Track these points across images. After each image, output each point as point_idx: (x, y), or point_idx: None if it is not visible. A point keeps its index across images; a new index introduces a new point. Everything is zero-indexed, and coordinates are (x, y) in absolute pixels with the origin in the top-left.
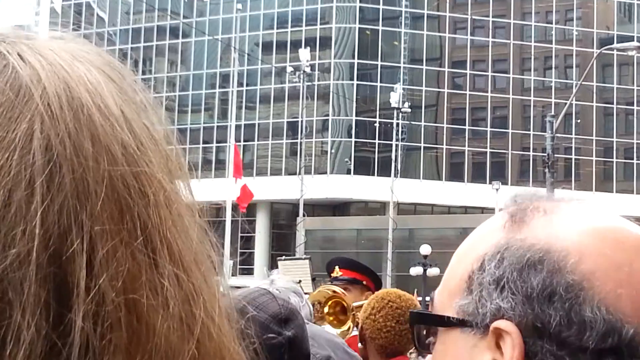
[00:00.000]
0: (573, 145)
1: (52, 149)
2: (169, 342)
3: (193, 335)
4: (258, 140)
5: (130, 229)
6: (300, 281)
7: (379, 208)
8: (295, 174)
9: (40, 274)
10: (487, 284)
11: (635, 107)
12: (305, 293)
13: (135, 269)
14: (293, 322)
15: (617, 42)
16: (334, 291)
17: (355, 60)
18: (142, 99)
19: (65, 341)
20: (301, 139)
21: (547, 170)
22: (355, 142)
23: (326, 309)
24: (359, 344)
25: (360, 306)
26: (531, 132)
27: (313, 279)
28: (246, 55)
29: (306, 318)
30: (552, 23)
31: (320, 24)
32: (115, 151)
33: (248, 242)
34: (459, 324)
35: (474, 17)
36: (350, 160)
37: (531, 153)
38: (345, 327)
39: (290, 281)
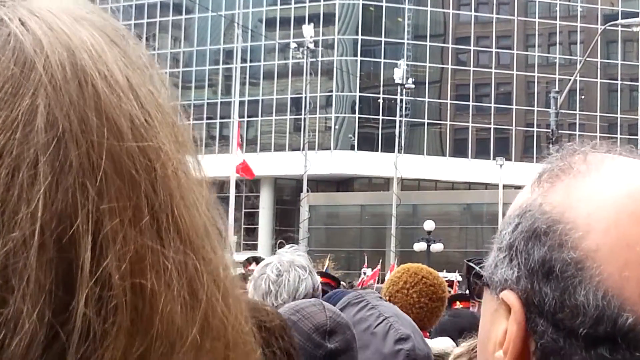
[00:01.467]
0: (577, 121)
1: (57, 124)
2: (172, 324)
3: (196, 316)
4: (261, 116)
5: (138, 207)
6: None
7: (383, 184)
8: (298, 149)
9: (43, 258)
10: (502, 250)
11: (639, 83)
12: None
13: (142, 250)
14: (339, 336)
15: (622, 18)
16: None
17: (359, 37)
18: (145, 63)
19: (66, 327)
20: (305, 115)
21: (551, 146)
22: (359, 118)
23: None
24: None
25: None
26: (535, 108)
27: None
28: (250, 32)
29: (307, 291)
30: None
31: (324, 0)
32: (121, 125)
33: (252, 217)
34: (486, 284)
35: None
36: (354, 136)
37: (535, 129)
38: None
39: (296, 254)
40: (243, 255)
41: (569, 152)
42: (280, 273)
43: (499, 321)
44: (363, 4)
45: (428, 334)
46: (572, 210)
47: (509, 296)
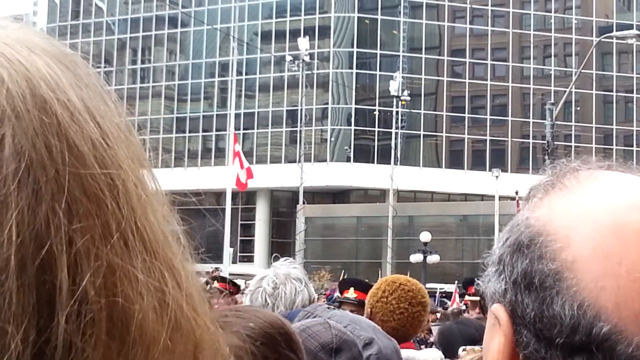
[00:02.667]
0: (573, 132)
1: (24, 152)
2: (145, 330)
3: (166, 321)
4: (257, 129)
5: (105, 224)
6: None
7: (379, 195)
8: (295, 161)
9: (22, 280)
10: (493, 264)
11: (634, 95)
12: None
13: (113, 264)
14: (345, 354)
15: (617, 30)
16: None
17: (355, 49)
18: (95, 83)
19: (50, 344)
20: (301, 127)
21: (546, 157)
22: (355, 130)
23: None
24: None
25: None
26: (531, 120)
27: None
28: (245, 45)
29: (306, 302)
30: (551, 11)
31: (319, 13)
32: (83, 148)
33: (248, 229)
34: (482, 298)
35: (472, 5)
36: (350, 148)
37: (531, 141)
38: None
39: (292, 267)
40: (240, 268)
41: (562, 167)
42: (276, 286)
43: (494, 334)
44: (358, 17)
45: (413, 344)
46: (553, 222)
47: (498, 309)
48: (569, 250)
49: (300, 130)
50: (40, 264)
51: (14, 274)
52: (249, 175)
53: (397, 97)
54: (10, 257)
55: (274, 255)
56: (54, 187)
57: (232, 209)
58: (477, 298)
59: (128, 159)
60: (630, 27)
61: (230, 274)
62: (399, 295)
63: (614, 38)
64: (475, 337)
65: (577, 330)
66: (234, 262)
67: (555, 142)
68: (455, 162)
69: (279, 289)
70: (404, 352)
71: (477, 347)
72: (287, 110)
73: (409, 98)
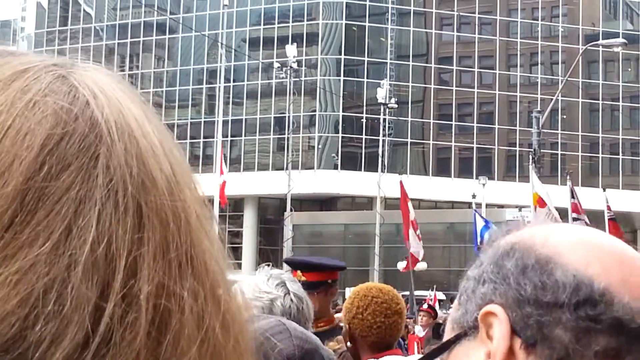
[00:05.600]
0: (559, 140)
1: (111, 170)
2: (178, 342)
3: (197, 339)
4: (245, 136)
5: (164, 243)
6: None
7: (366, 203)
8: (282, 169)
9: (90, 274)
10: (470, 287)
11: (620, 103)
12: None
13: (164, 277)
14: None
15: (603, 39)
16: None
17: (342, 56)
18: (161, 124)
19: (95, 336)
20: (288, 134)
21: (533, 165)
22: (342, 137)
23: None
24: (348, 343)
25: None
26: (517, 128)
27: None
28: (233, 51)
29: (287, 313)
30: (538, 19)
31: (307, 20)
32: (157, 176)
33: (236, 237)
34: (455, 340)
35: (460, 13)
36: (337, 155)
37: (517, 148)
38: None
39: (279, 273)
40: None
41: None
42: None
43: (477, 352)
44: (346, 24)
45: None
46: (528, 232)
47: (490, 306)
48: (552, 240)
49: (288, 138)
50: (105, 263)
51: (84, 268)
52: (221, 192)
53: (385, 104)
54: (84, 253)
55: (267, 264)
56: (130, 201)
57: (219, 216)
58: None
59: (189, 191)
60: (616, 35)
61: None
62: (374, 310)
63: (600, 46)
64: None
65: (580, 287)
66: None
67: (542, 150)
68: (442, 169)
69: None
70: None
71: None
72: (274, 118)
73: (396, 105)
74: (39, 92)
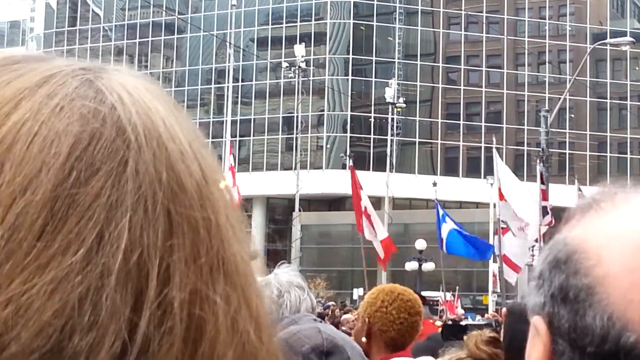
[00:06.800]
0: (567, 139)
1: (140, 176)
2: (214, 347)
3: (234, 343)
4: (254, 136)
5: (195, 248)
6: None
7: (374, 203)
8: (290, 169)
9: (123, 283)
10: (535, 278)
11: (628, 102)
12: None
13: (197, 283)
14: (335, 357)
15: (610, 37)
16: None
17: (350, 56)
18: (193, 127)
19: (133, 346)
20: (297, 134)
21: (541, 164)
22: (351, 137)
23: None
24: (363, 339)
25: None
26: (525, 127)
27: None
28: (241, 51)
29: (307, 311)
30: (545, 18)
31: (315, 19)
32: (186, 181)
33: None
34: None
35: (467, 12)
36: (346, 155)
37: (525, 148)
38: None
39: (292, 275)
40: None
41: (603, 191)
42: (281, 293)
43: (535, 344)
44: (354, 23)
45: (409, 352)
46: (587, 241)
47: (537, 320)
48: (601, 267)
49: (296, 137)
50: (137, 271)
51: (117, 277)
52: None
53: (393, 104)
54: (117, 261)
55: (281, 262)
56: (160, 207)
57: None
58: None
59: (220, 196)
60: (624, 34)
61: None
62: (399, 306)
63: (608, 45)
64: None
65: (606, 340)
66: None
67: (550, 149)
68: (450, 169)
69: (284, 296)
70: None
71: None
72: (283, 117)
73: (404, 105)
74: (65, 97)
